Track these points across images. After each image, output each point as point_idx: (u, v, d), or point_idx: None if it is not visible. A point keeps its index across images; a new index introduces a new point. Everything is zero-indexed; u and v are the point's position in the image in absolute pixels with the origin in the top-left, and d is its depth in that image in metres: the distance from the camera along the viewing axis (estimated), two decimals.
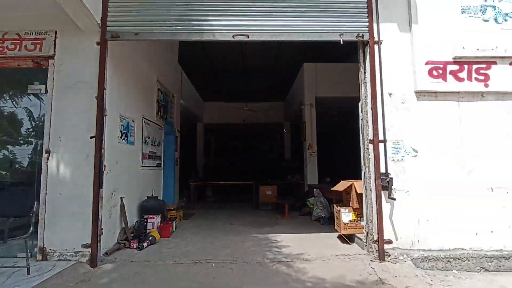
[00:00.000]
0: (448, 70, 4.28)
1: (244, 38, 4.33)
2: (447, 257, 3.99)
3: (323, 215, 6.50)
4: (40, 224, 4.01)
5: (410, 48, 4.34)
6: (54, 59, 4.30)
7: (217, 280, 3.46)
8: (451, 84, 4.28)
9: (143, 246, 4.52)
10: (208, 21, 4.32)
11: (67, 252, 3.99)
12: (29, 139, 4.67)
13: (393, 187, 4.11)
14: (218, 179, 11.44)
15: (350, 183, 4.98)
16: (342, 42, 4.29)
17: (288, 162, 13.37)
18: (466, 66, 4.29)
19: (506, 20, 4.32)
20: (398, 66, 4.34)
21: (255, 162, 16.08)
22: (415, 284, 3.37)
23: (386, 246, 4.04)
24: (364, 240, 4.41)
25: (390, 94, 4.29)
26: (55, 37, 4.33)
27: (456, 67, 4.29)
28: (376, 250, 4.06)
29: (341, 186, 5.22)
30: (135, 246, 4.51)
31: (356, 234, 4.76)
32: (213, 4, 4.36)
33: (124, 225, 4.75)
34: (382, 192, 4.11)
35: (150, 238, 4.77)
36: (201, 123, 14.12)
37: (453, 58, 4.29)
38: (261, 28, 4.34)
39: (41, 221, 4.02)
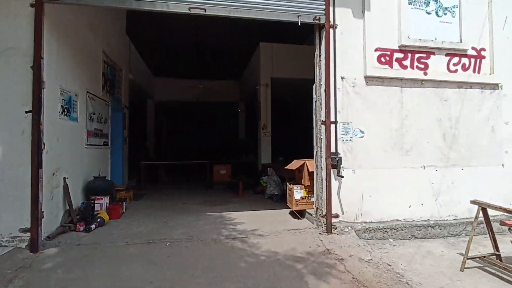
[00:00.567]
0: (394, 57, 4.60)
1: (201, 12, 4.14)
2: (385, 228, 4.45)
3: (276, 193, 6.73)
4: None
5: (362, 34, 4.55)
6: None
7: (172, 259, 3.45)
8: (396, 71, 4.62)
9: (91, 228, 4.29)
10: None
11: (2, 238, 3.61)
12: None
13: (341, 165, 4.39)
14: (171, 159, 11.12)
15: (303, 162, 5.21)
16: (299, 24, 4.32)
17: (242, 142, 13.45)
18: (409, 55, 4.65)
19: (445, 14, 4.73)
20: (351, 51, 4.54)
21: (209, 142, 15.91)
22: (358, 252, 3.72)
23: (333, 220, 4.36)
24: (314, 215, 4.70)
25: (342, 78, 4.49)
26: None
27: (401, 55, 4.62)
28: (325, 224, 4.36)
29: (294, 165, 5.43)
30: (81, 229, 4.26)
31: (307, 210, 5.05)
32: None
33: (68, 207, 4.42)
34: (331, 170, 4.38)
35: (99, 219, 4.53)
36: (152, 99, 13.42)
37: (399, 47, 4.61)
38: (219, 3, 4.17)
39: None
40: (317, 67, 4.62)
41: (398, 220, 4.57)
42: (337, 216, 4.42)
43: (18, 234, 3.64)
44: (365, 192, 4.53)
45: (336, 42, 4.45)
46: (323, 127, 4.46)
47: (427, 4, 4.70)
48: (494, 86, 4.99)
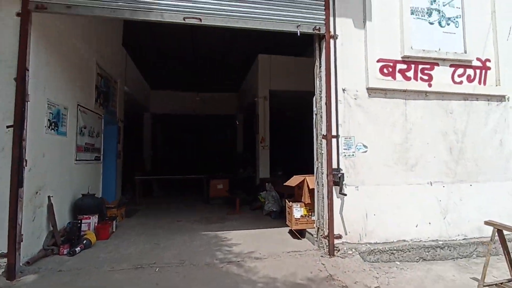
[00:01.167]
0: (397, 68, 4.42)
1: (196, 22, 3.97)
2: (391, 249, 4.15)
3: (274, 209, 6.46)
4: None
5: (363, 44, 4.37)
6: None
7: (161, 286, 3.15)
8: (399, 83, 4.43)
9: (75, 251, 3.98)
10: None
11: None
12: None
13: (344, 182, 4.14)
14: (167, 173, 10.84)
15: (303, 178, 4.95)
16: (299, 34, 4.15)
17: (240, 155, 13.20)
18: (413, 66, 4.47)
19: (448, 24, 4.58)
20: (352, 62, 4.35)
21: (206, 155, 15.64)
22: (363, 278, 3.42)
23: (336, 241, 4.07)
24: (315, 235, 4.41)
25: (344, 90, 4.28)
26: None
27: (404, 66, 4.44)
28: (327, 246, 4.07)
29: (294, 181, 5.18)
30: (65, 252, 3.95)
31: (307, 229, 4.76)
32: None
33: (52, 228, 4.13)
34: (333, 187, 4.12)
35: (85, 241, 4.23)
36: (148, 112, 13.21)
37: (402, 57, 4.43)
38: (215, 13, 4.00)
39: None
40: (317, 79, 4.43)
41: (405, 241, 4.28)
42: (340, 237, 4.13)
43: None
44: (369, 211, 4.26)
45: (336, 53, 4.27)
46: (324, 141, 4.23)
47: (430, 14, 4.55)
48: (501, 98, 4.80)
